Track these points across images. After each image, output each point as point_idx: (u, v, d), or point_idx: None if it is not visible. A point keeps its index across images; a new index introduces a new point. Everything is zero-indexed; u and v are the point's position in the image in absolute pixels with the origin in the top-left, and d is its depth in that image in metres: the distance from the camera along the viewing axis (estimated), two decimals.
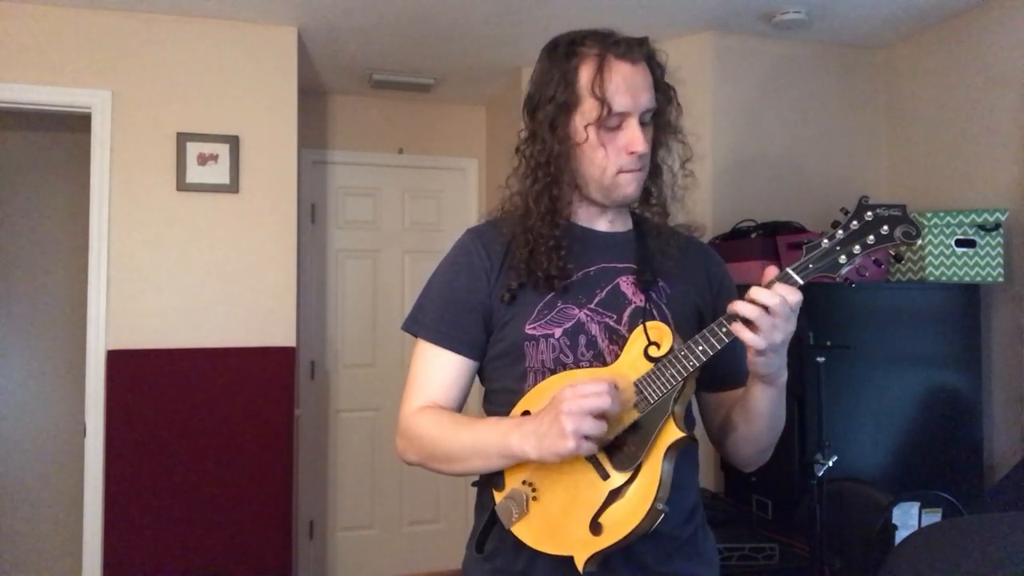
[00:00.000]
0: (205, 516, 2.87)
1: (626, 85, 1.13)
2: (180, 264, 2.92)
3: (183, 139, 2.92)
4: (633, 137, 1.14)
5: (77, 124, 3.03)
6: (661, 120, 1.21)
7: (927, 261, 2.54)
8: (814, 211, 3.07)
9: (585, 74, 1.15)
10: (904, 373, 2.55)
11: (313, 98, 3.86)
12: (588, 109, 1.14)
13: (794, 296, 0.99)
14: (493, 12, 2.89)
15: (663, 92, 1.20)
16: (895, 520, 2.15)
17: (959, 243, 2.56)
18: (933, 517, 2.17)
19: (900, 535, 2.12)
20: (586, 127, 1.15)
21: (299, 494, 3.64)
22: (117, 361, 2.81)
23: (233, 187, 2.97)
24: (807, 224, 2.90)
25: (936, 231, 2.55)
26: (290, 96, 3.09)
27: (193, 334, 2.91)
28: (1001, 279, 2.58)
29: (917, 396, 2.56)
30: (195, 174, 2.93)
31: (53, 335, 4.02)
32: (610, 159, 1.16)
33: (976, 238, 2.56)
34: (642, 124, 1.16)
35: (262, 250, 3.01)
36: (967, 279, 2.56)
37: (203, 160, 2.94)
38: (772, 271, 1.02)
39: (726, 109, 3.08)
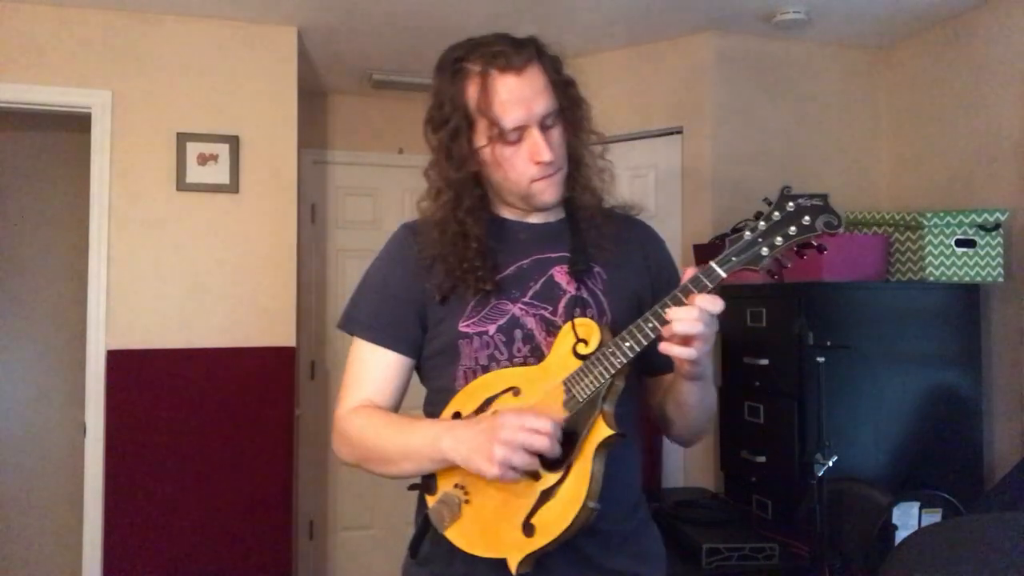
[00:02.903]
0: (205, 516, 2.87)
1: (514, 98, 1.10)
2: (180, 264, 2.92)
3: (183, 139, 2.92)
4: (535, 147, 1.11)
5: (77, 124, 3.03)
6: (568, 115, 1.18)
7: (927, 261, 2.54)
8: None
9: (471, 95, 1.12)
10: (904, 373, 2.55)
11: (313, 98, 3.86)
12: (481, 130, 1.12)
13: (718, 306, 0.99)
14: (493, 12, 2.89)
15: (561, 88, 1.17)
16: (895, 520, 2.15)
17: (959, 243, 2.56)
18: (933, 517, 2.17)
19: (900, 535, 2.12)
20: (482, 148, 1.13)
21: (299, 494, 3.63)
22: (117, 361, 2.81)
23: (233, 187, 2.97)
24: None
25: (936, 231, 2.55)
26: (290, 96, 3.09)
27: (193, 334, 2.91)
28: (1001, 279, 2.58)
29: (917, 396, 2.56)
30: (195, 174, 2.93)
31: (53, 335, 4.02)
32: (519, 172, 1.13)
33: (976, 238, 2.56)
34: (546, 127, 1.13)
35: (262, 250, 3.01)
36: (967, 279, 2.56)
37: (203, 160, 2.94)
38: (692, 270, 1.02)
39: (726, 109, 3.08)
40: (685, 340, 1.00)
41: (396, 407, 1.21)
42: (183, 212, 2.93)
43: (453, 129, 1.13)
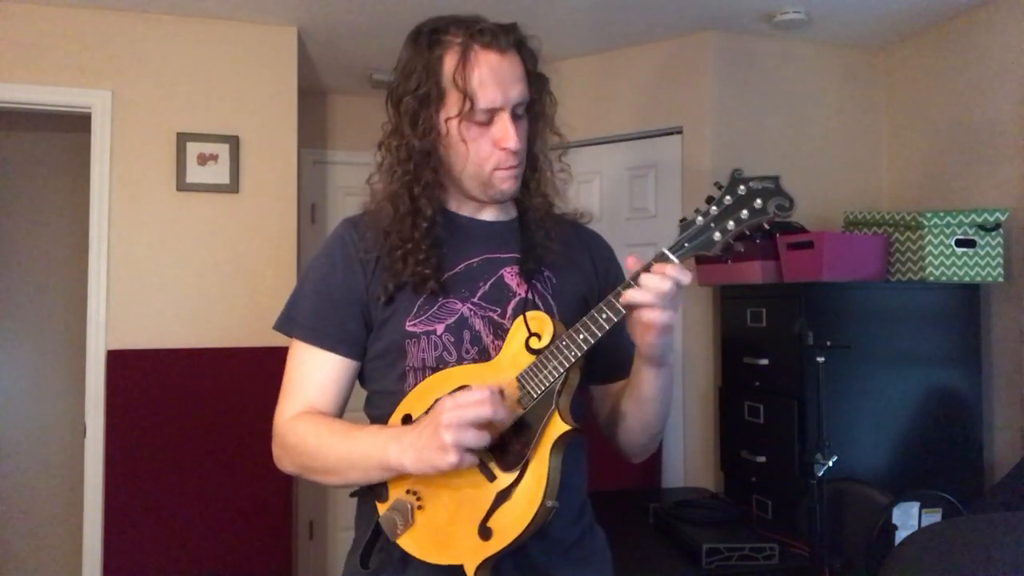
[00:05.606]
0: (205, 516, 2.86)
1: (493, 78, 1.06)
2: (180, 264, 2.92)
3: (183, 139, 2.92)
4: (504, 132, 1.07)
5: (77, 124, 3.03)
6: (535, 111, 1.14)
7: (927, 261, 2.54)
8: (814, 211, 3.06)
9: (448, 65, 1.07)
10: (904, 373, 2.55)
11: (313, 98, 3.86)
12: (452, 103, 1.07)
13: (686, 276, 0.95)
14: (495, 12, 2.88)
15: (535, 83, 1.14)
16: (895, 520, 2.15)
17: (959, 243, 2.56)
18: (933, 517, 2.17)
19: (900, 535, 2.12)
20: (448, 121, 1.08)
21: (299, 494, 3.63)
22: (117, 361, 2.81)
23: (233, 187, 2.97)
24: (807, 224, 2.90)
25: (936, 231, 2.55)
26: (290, 96, 3.09)
27: (193, 334, 2.91)
28: (1001, 279, 2.58)
29: (917, 396, 2.56)
30: (195, 174, 2.93)
31: (53, 335, 4.02)
32: (482, 156, 1.09)
33: (976, 238, 2.56)
34: (517, 116, 1.10)
35: (262, 250, 3.01)
36: (967, 279, 2.56)
37: (203, 160, 2.94)
38: (635, 260, 0.98)
39: (726, 109, 3.08)
40: (646, 326, 0.96)
41: (340, 412, 1.16)
42: (183, 212, 2.93)
43: (423, 96, 1.08)
